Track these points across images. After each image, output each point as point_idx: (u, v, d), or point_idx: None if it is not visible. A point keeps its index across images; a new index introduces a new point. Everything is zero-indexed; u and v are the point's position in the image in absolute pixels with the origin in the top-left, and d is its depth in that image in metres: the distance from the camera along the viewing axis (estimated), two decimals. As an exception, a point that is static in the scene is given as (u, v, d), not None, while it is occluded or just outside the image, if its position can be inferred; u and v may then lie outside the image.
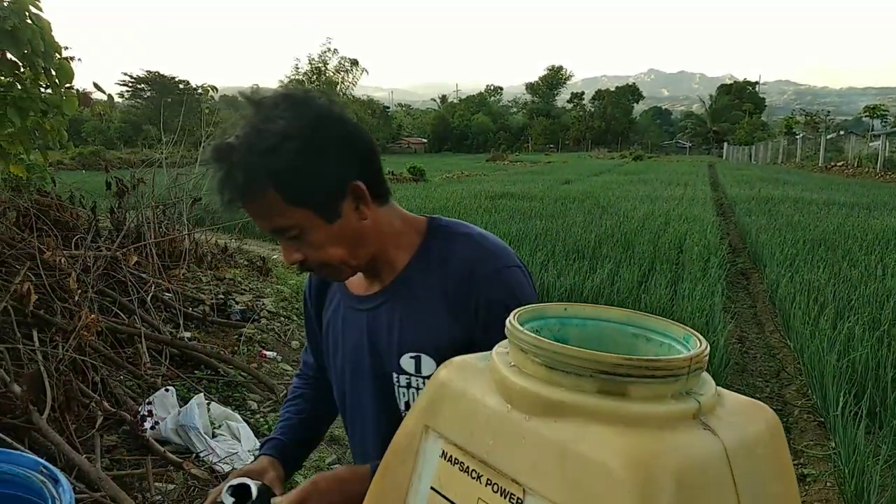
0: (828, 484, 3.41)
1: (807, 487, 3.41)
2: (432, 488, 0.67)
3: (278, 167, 0.93)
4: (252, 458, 2.09)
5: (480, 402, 0.63)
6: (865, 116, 35.57)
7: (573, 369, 0.58)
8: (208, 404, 3.11)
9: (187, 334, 4.11)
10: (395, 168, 21.64)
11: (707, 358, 0.62)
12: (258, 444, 2.88)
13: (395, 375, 1.08)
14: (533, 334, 0.61)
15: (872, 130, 26.79)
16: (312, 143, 0.94)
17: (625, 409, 0.56)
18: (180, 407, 3.04)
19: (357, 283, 1.15)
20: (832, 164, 24.84)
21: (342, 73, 51.72)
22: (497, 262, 1.05)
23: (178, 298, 4.34)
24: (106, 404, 2.90)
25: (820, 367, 4.02)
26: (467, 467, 0.64)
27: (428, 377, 1.04)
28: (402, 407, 1.10)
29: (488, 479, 0.61)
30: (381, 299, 1.10)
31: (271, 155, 0.92)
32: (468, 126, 75.47)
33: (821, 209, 10.83)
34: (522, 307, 0.71)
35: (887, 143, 20.74)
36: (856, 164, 22.72)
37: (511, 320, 0.66)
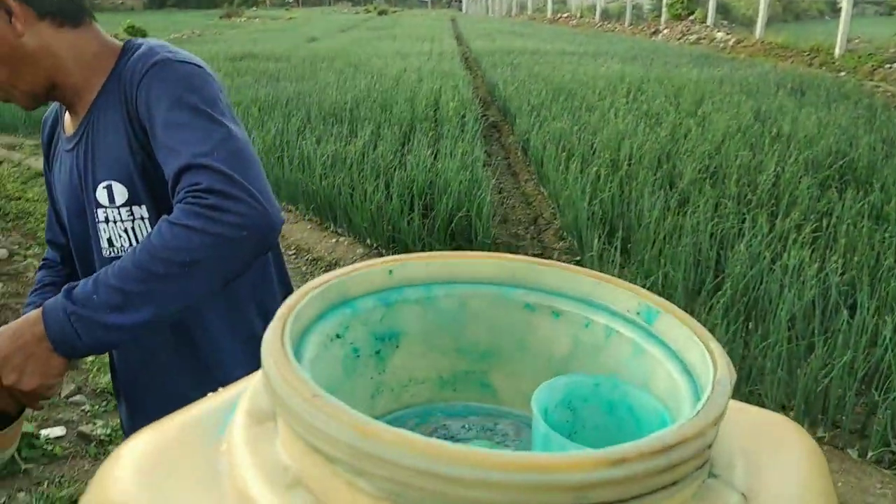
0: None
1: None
2: None
3: None
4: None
5: None
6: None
7: None
8: None
9: None
10: (109, 28, 18.57)
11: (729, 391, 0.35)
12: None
13: (95, 211, 1.04)
14: (337, 404, 0.30)
15: (591, -18, 28.89)
16: None
17: None
18: None
19: (68, 123, 1.11)
20: (559, 15, 26.47)
21: None
22: (162, 57, 0.96)
23: None
24: None
25: (574, 210, 4.29)
26: None
27: (123, 206, 1.01)
28: (105, 245, 1.05)
29: None
30: (79, 134, 1.05)
31: None
32: (194, -21, 67.03)
33: (555, 59, 11.46)
34: (301, 292, 0.41)
35: (603, -6, 22.49)
36: (579, 16, 24.45)
37: (273, 330, 0.36)
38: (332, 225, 4.93)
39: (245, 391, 0.40)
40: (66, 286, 0.84)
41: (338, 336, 0.42)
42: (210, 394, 0.44)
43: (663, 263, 3.45)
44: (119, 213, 1.03)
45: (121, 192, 1.02)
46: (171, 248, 0.79)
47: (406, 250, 4.30)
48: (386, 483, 0.28)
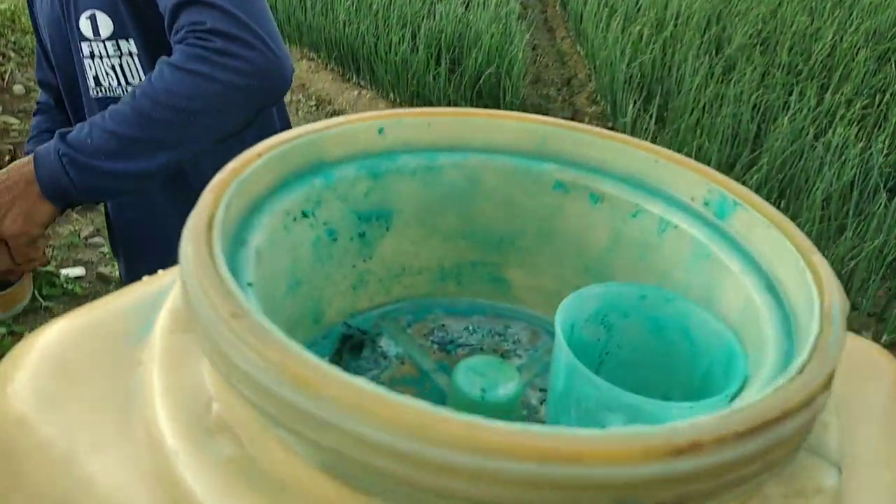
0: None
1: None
2: None
3: None
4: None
5: None
6: None
7: None
8: None
9: None
10: None
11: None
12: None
13: (80, 45, 0.93)
14: (267, 332, 0.24)
15: None
16: None
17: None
18: None
19: None
20: None
21: None
22: None
23: None
24: None
25: (611, 72, 4.02)
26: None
27: (108, 40, 0.91)
28: (91, 84, 0.95)
29: None
30: None
31: None
32: None
33: None
34: (253, 152, 0.29)
35: None
36: None
37: (200, 207, 0.26)
38: (354, 76, 4.71)
39: (177, 280, 0.30)
40: (59, 130, 0.77)
41: (304, 215, 0.31)
42: (146, 277, 0.34)
43: (699, 134, 3.26)
44: (105, 48, 0.93)
45: (105, 23, 0.91)
46: (174, 94, 0.71)
47: (431, 106, 4.11)
48: (330, 455, 0.18)
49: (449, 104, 4.02)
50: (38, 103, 1.20)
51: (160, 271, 0.36)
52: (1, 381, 0.31)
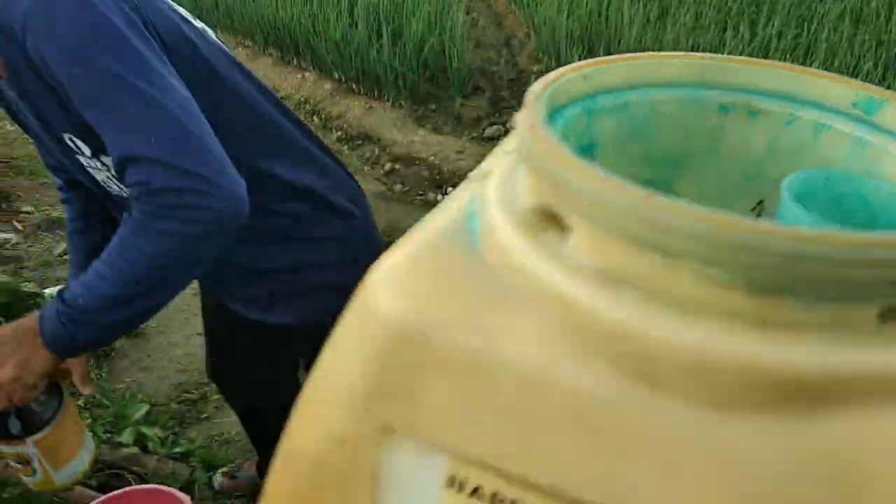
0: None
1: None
2: None
3: None
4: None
5: (546, 377, 0.28)
6: None
7: (820, 283, 0.25)
8: None
9: None
10: None
11: None
12: None
13: (75, 156, 0.89)
14: (669, 203, 0.26)
15: None
16: None
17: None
18: None
19: None
20: None
21: None
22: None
23: None
24: None
25: (551, 28, 4.11)
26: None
27: (93, 157, 0.88)
28: (103, 184, 0.93)
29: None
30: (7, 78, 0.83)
31: None
32: None
33: None
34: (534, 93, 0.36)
35: None
36: None
37: (529, 130, 0.31)
38: (294, 59, 4.65)
39: (477, 197, 0.36)
40: (58, 290, 0.81)
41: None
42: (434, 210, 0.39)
43: (648, 79, 3.39)
44: (94, 162, 0.89)
45: (83, 145, 0.87)
46: (144, 253, 0.76)
47: (377, 82, 4.11)
48: (747, 271, 0.26)
49: (396, 77, 4.03)
50: (57, 188, 1.15)
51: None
52: (366, 297, 0.35)
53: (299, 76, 4.53)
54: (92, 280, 0.78)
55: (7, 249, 2.46)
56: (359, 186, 1.16)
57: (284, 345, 1.16)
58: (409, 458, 0.32)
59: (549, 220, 0.32)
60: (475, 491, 0.31)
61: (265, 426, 1.26)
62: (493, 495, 0.30)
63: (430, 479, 0.31)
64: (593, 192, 0.28)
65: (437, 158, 3.61)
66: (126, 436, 1.54)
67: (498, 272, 0.32)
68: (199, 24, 0.98)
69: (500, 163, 0.39)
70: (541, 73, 4.49)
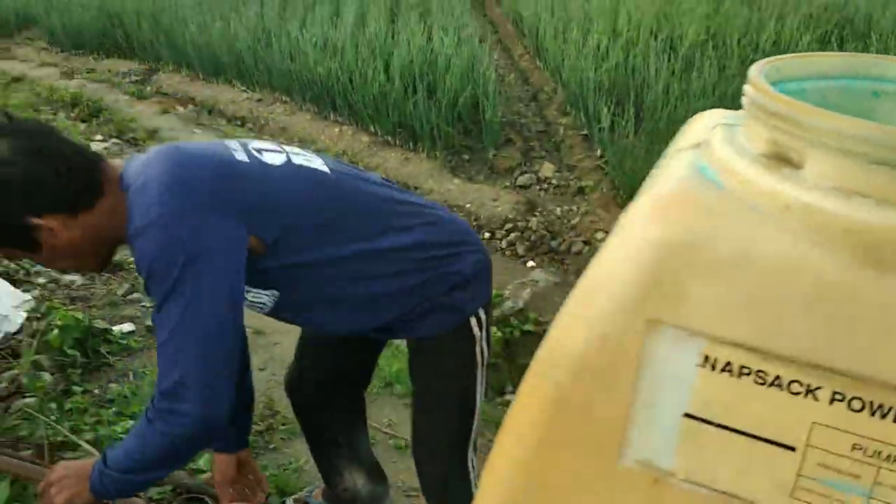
0: (604, 190, 3.81)
1: (586, 198, 3.78)
2: (688, 415, 0.45)
3: None
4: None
5: (795, 267, 0.40)
6: None
7: None
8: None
9: None
10: None
11: None
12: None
13: None
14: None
15: None
16: None
17: None
18: None
19: None
20: None
21: None
22: (129, 230, 1.00)
23: None
24: None
25: (578, 82, 4.25)
26: (766, 376, 0.42)
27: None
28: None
29: (836, 393, 0.41)
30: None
31: None
32: None
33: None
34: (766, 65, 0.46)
35: None
36: None
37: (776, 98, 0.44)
38: (331, 114, 4.82)
39: (698, 157, 0.47)
40: (105, 450, 1.10)
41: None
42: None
43: (677, 128, 3.49)
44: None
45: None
46: (147, 444, 1.04)
47: (414, 134, 4.26)
48: None
49: (432, 129, 4.17)
50: None
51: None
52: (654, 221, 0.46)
53: (337, 129, 4.70)
54: (119, 452, 1.05)
55: (73, 290, 2.56)
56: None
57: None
58: (669, 345, 0.44)
59: (778, 160, 0.44)
60: (726, 366, 0.42)
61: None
62: (741, 367, 0.42)
63: (687, 360, 0.43)
64: (834, 128, 0.40)
65: (474, 206, 3.71)
66: (203, 462, 1.61)
67: (745, 197, 0.43)
68: (317, 160, 1.15)
69: (700, 140, 0.52)
70: (569, 125, 4.58)
